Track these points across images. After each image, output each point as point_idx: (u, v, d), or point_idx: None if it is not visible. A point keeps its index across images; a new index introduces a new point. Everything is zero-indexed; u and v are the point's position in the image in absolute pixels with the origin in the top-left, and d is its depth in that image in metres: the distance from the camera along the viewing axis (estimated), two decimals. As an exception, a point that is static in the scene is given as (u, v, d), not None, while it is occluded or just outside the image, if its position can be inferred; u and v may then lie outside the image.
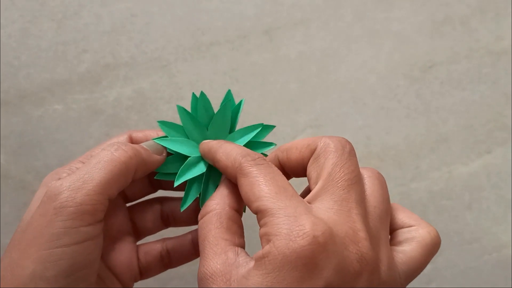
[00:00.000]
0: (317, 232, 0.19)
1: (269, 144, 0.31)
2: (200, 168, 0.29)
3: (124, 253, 0.28)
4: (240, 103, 0.31)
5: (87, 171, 0.23)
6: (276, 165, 0.27)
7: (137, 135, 0.30)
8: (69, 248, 0.22)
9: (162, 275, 0.48)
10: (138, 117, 0.46)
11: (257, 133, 0.31)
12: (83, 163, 0.26)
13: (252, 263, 0.21)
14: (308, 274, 0.19)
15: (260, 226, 0.22)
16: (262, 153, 0.30)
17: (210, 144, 0.28)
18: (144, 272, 0.29)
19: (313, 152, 0.24)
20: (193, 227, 0.32)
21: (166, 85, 0.46)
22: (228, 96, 0.31)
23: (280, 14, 0.46)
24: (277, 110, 0.47)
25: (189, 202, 0.30)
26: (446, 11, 0.48)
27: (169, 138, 0.30)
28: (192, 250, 0.30)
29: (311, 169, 0.24)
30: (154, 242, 0.30)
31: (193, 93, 0.30)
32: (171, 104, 0.46)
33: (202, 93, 0.30)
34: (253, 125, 0.30)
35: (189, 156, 0.29)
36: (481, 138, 0.49)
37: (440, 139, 0.49)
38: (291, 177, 0.29)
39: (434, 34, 0.48)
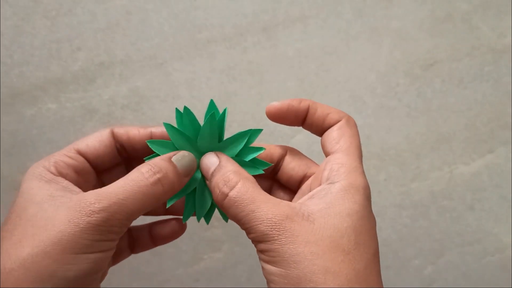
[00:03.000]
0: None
1: (259, 149, 0.30)
2: (194, 182, 0.30)
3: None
4: (224, 112, 0.30)
5: (123, 197, 0.24)
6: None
7: (119, 131, 0.30)
8: (93, 255, 0.24)
9: (159, 277, 0.47)
10: (133, 116, 0.45)
11: (247, 138, 0.30)
12: (69, 156, 0.28)
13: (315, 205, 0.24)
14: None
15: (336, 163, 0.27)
16: (254, 158, 0.30)
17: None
18: (115, 260, 0.31)
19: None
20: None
21: (161, 84, 0.45)
22: (212, 107, 0.30)
23: (278, 11, 0.46)
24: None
25: (191, 213, 0.30)
26: (447, 8, 0.47)
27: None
28: (150, 240, 0.32)
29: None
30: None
31: (176, 108, 0.29)
32: (167, 103, 0.45)
33: (185, 108, 0.29)
34: (241, 132, 0.30)
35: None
36: (483, 138, 0.48)
37: (441, 139, 0.48)
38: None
39: (435, 31, 0.47)
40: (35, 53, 0.43)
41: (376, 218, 0.49)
